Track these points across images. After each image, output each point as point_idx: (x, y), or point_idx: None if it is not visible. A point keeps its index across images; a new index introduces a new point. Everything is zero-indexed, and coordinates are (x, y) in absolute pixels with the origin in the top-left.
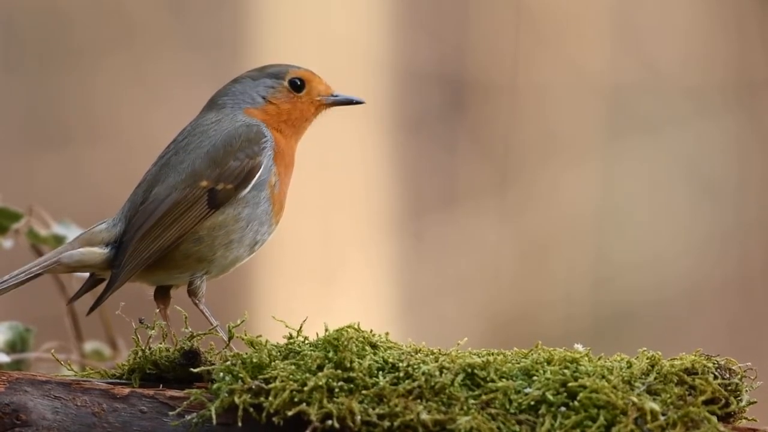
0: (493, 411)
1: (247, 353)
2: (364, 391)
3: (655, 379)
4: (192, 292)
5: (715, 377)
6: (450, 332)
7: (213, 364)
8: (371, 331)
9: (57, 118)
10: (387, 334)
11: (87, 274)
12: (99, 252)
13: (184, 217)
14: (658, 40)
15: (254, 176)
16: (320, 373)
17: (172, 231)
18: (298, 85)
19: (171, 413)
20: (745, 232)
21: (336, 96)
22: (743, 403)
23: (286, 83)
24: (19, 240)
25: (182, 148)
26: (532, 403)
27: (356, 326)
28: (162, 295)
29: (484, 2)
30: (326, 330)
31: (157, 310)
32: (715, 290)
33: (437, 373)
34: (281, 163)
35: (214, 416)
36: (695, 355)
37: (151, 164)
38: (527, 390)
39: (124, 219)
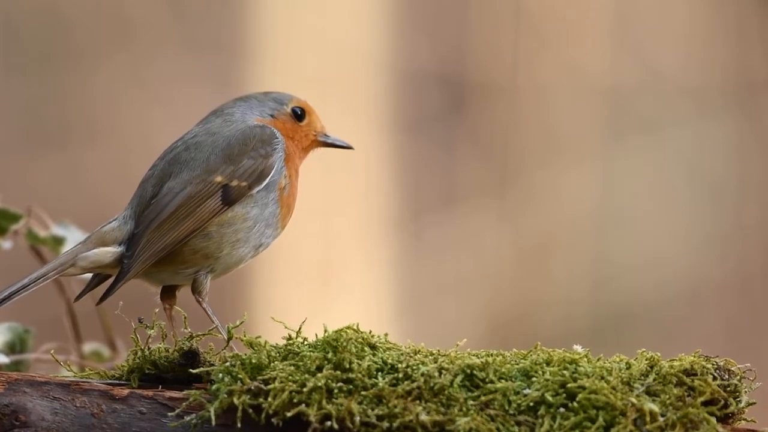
0: (492, 412)
1: (246, 354)
2: (363, 392)
3: (655, 380)
4: (196, 290)
5: (714, 378)
6: (449, 333)
7: (212, 365)
8: (370, 331)
9: (57, 118)
10: (386, 334)
11: (89, 275)
12: (113, 251)
13: (198, 211)
14: (659, 41)
15: (267, 176)
16: (319, 374)
17: (186, 224)
18: (299, 114)
19: (170, 414)
20: (745, 233)
21: (328, 137)
22: (742, 404)
23: (288, 110)
24: (18, 241)
25: (193, 145)
26: (531, 404)
27: (355, 327)
28: (168, 295)
29: (484, 2)
30: (325, 331)
31: (157, 310)
32: (715, 290)
33: (436, 374)
34: (291, 167)
35: (213, 417)
36: (694, 356)
37: (157, 158)
38: (526, 391)
39: (133, 215)
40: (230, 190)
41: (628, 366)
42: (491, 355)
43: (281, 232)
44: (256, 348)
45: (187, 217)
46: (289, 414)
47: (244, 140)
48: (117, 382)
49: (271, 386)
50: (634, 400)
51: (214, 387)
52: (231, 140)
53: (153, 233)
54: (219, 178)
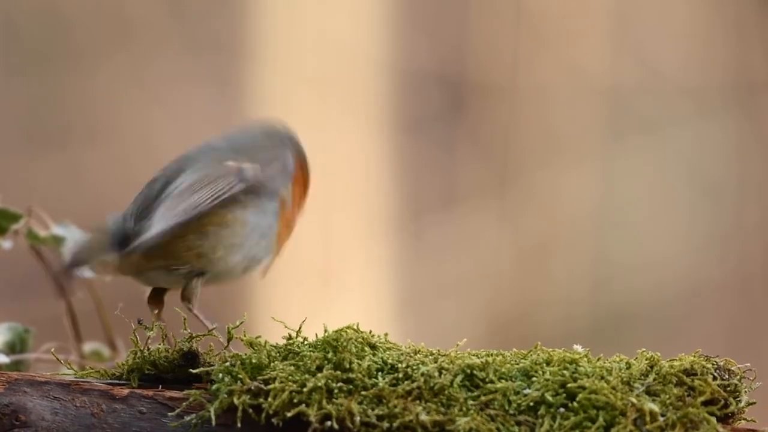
0: (492, 412)
1: (246, 354)
2: (363, 392)
3: (654, 380)
4: (185, 297)
5: (715, 378)
6: (449, 333)
7: (212, 365)
8: (370, 331)
9: (57, 118)
10: (386, 334)
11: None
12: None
13: (214, 184)
14: (658, 41)
15: (285, 166)
16: (319, 374)
17: (204, 192)
18: None
19: (170, 414)
20: (745, 233)
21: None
22: (742, 404)
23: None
24: (18, 241)
25: (205, 148)
26: (531, 404)
27: (355, 327)
28: (156, 300)
29: (484, 2)
30: (325, 331)
31: (154, 312)
32: (715, 291)
33: (436, 374)
34: (296, 191)
35: (213, 417)
36: (694, 356)
37: (165, 164)
38: (526, 391)
39: (137, 211)
40: (245, 172)
41: (628, 366)
42: (491, 355)
43: (275, 256)
44: (256, 348)
45: (204, 187)
46: (289, 414)
47: (260, 140)
48: (117, 381)
49: (271, 386)
50: (634, 400)
51: (214, 387)
52: (246, 141)
53: (176, 198)
54: (234, 164)
